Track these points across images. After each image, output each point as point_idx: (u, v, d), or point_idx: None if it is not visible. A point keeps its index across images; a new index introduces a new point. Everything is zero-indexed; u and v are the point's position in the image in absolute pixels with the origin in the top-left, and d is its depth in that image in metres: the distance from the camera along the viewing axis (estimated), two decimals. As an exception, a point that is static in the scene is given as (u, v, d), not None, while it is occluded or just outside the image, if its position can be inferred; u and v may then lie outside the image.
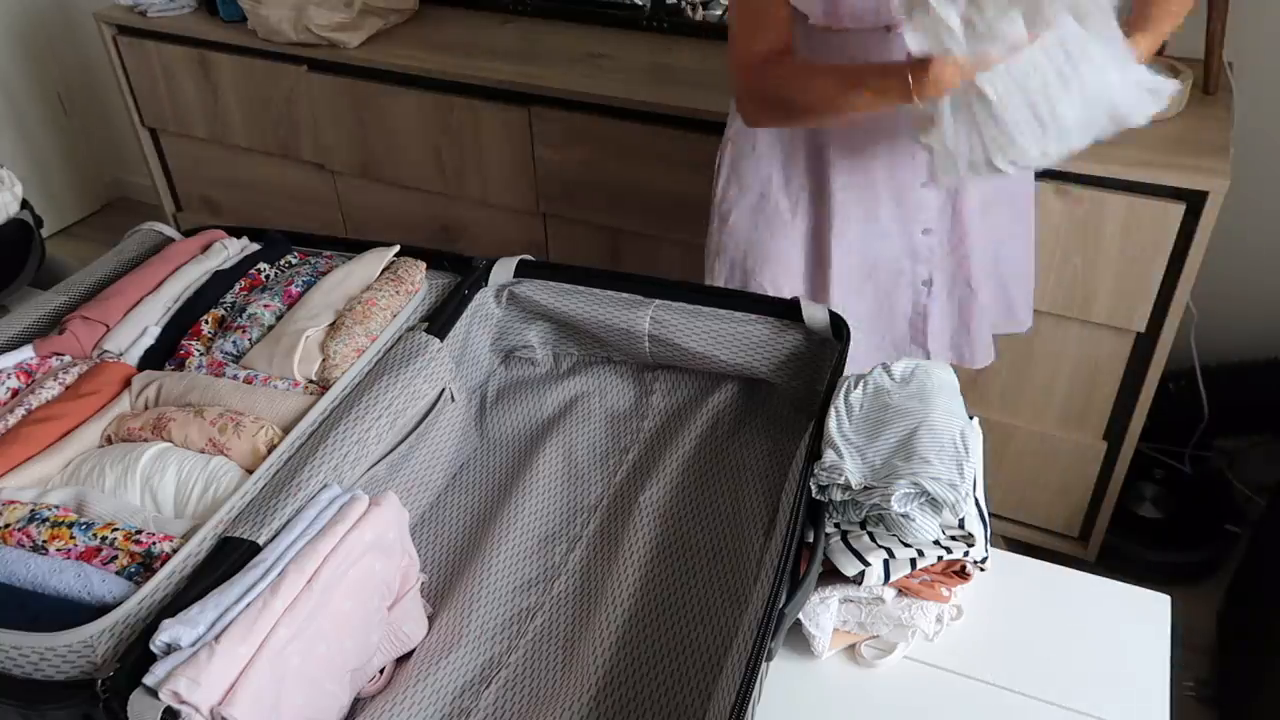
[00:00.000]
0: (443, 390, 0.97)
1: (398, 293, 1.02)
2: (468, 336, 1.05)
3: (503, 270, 1.06)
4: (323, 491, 0.80)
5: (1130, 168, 1.43)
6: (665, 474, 0.97)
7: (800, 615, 0.81)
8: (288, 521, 0.77)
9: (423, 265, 1.07)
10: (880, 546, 0.80)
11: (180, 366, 0.95)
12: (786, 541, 0.76)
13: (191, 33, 2.15)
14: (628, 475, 0.99)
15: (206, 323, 1.00)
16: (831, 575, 0.82)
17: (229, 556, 0.75)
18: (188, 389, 0.90)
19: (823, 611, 0.82)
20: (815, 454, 0.83)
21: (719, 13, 2.01)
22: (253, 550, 0.75)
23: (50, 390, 0.91)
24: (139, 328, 0.99)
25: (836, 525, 0.82)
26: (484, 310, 1.08)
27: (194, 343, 0.97)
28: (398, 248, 1.08)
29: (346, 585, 0.74)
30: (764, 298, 1.02)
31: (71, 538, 0.76)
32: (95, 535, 0.77)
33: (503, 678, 0.82)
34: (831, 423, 0.84)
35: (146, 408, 0.91)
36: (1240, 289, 1.82)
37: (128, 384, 0.93)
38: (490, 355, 1.12)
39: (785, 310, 0.99)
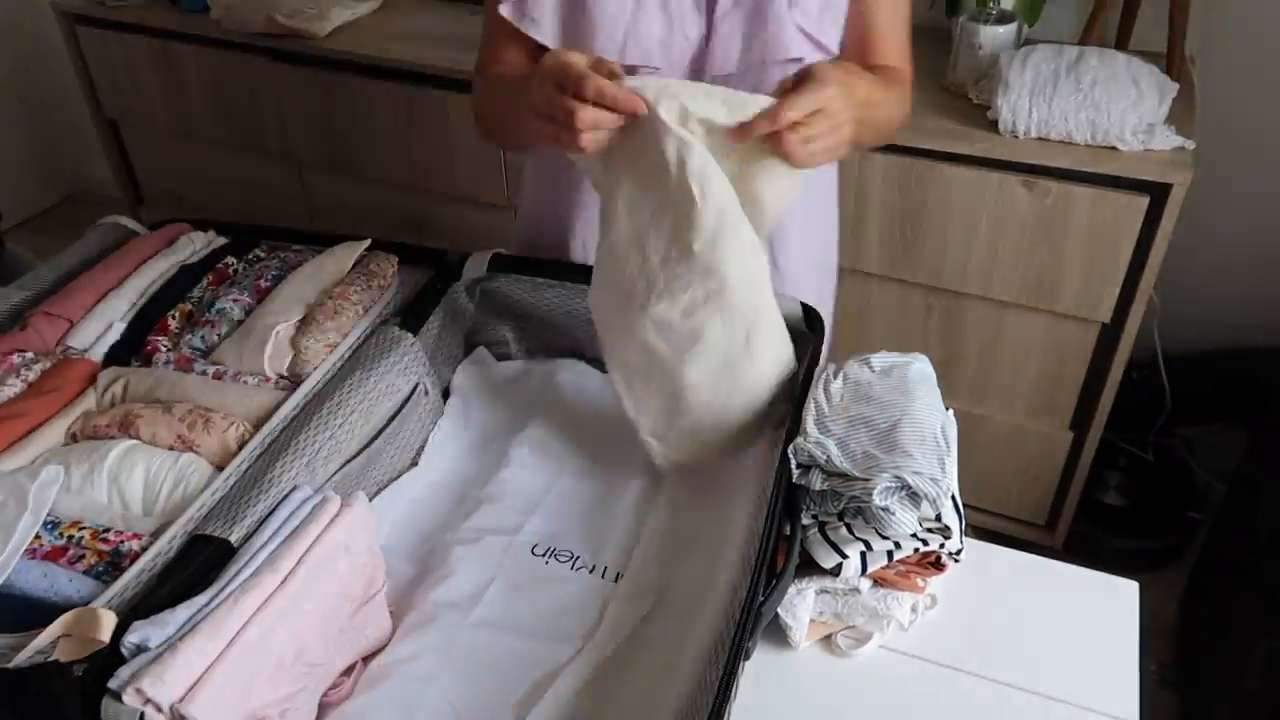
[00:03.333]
0: (416, 385, 0.96)
1: (369, 287, 1.01)
2: (441, 331, 1.04)
3: (476, 264, 1.05)
4: (294, 493, 0.79)
5: (1096, 160, 1.44)
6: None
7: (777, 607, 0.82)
8: (260, 520, 0.76)
9: (395, 259, 1.06)
10: (858, 539, 0.80)
11: (147, 363, 0.94)
12: (765, 535, 0.76)
13: (152, 23, 2.11)
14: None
15: (174, 318, 0.98)
16: (808, 567, 0.82)
17: (199, 555, 0.74)
18: (155, 385, 0.89)
19: (799, 603, 0.82)
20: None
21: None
22: (224, 548, 0.74)
23: (12, 388, 0.89)
24: (104, 323, 0.97)
25: (814, 517, 0.83)
26: (457, 305, 1.07)
27: (161, 338, 0.96)
28: (369, 242, 1.06)
29: (317, 587, 0.73)
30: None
31: (37, 537, 0.75)
32: (61, 534, 0.76)
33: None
34: (810, 415, 0.84)
35: (113, 404, 0.89)
36: (1202, 280, 1.85)
37: (93, 381, 0.91)
38: (464, 350, 1.11)
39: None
